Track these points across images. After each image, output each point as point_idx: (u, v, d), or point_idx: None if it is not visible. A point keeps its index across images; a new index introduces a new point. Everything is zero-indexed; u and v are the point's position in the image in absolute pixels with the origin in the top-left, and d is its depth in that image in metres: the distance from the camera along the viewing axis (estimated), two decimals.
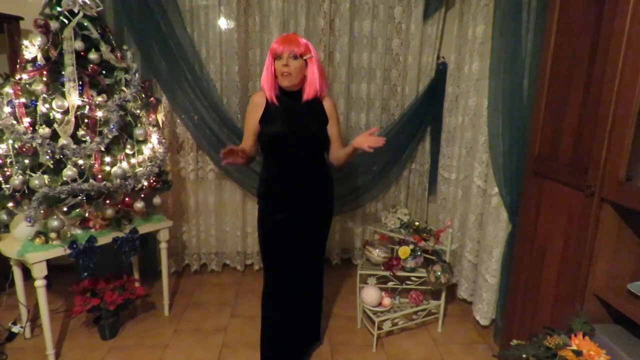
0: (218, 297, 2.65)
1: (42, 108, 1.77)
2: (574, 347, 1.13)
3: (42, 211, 1.73)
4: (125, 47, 2.12)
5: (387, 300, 2.21)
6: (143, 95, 2.10)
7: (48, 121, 1.79)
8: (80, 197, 1.80)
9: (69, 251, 1.83)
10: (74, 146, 1.78)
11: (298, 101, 1.73)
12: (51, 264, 1.83)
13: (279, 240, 1.78)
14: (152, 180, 2.07)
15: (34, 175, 1.72)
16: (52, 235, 1.84)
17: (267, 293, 1.85)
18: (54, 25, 1.80)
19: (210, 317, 2.42)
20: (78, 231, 1.97)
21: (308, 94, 1.71)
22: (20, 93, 1.73)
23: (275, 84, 1.71)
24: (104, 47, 1.95)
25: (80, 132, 1.85)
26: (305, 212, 1.77)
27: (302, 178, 1.75)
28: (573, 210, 1.44)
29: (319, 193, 1.81)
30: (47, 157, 1.74)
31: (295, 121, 1.71)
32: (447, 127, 2.69)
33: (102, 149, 1.87)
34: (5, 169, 1.73)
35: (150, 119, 2.13)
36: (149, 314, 2.43)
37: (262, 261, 1.90)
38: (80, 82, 1.86)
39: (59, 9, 1.83)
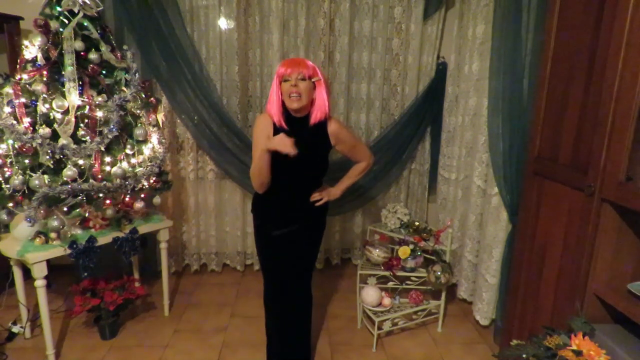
0: (218, 297, 2.65)
1: (42, 108, 1.77)
2: (574, 347, 1.13)
3: (42, 211, 1.73)
4: (125, 47, 2.12)
5: (387, 300, 2.20)
6: (143, 95, 2.10)
7: (48, 121, 1.79)
8: (80, 197, 1.80)
9: (69, 251, 1.83)
10: (74, 146, 1.79)
11: (305, 127, 1.67)
12: (51, 264, 1.84)
13: (274, 254, 1.80)
14: (152, 181, 2.07)
15: (34, 175, 1.72)
16: (52, 235, 1.84)
17: (267, 298, 1.89)
18: (54, 25, 1.80)
19: (210, 317, 2.42)
20: (78, 231, 1.97)
21: (315, 117, 1.65)
22: (20, 93, 1.73)
23: (283, 108, 1.65)
24: (104, 47, 1.95)
25: (80, 132, 1.85)
26: (299, 229, 1.77)
27: (300, 200, 1.75)
28: (573, 210, 1.44)
29: (313, 211, 1.79)
30: (47, 157, 1.74)
31: (302, 150, 1.61)
32: (447, 127, 2.69)
33: (102, 149, 1.87)
34: (5, 169, 1.73)
35: (150, 119, 2.13)
36: (149, 314, 2.43)
37: (261, 269, 1.92)
38: (80, 82, 1.86)
39: (59, 9, 1.83)
